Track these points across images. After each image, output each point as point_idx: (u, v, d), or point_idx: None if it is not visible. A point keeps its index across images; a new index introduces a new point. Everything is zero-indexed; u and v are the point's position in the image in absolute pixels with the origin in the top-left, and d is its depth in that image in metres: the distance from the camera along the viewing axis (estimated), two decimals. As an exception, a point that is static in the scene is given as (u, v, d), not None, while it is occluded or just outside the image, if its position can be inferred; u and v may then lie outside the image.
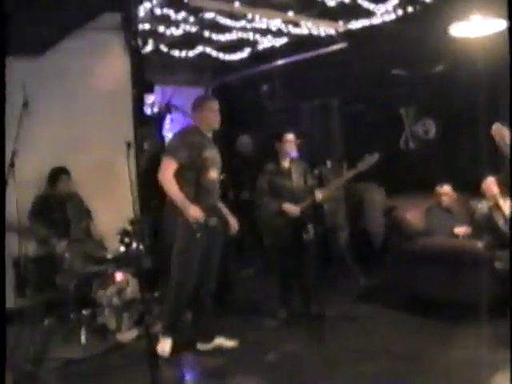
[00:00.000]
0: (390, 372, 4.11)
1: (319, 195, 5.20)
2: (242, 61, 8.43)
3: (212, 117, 4.69)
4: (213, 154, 4.65)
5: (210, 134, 4.76)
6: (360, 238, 6.86)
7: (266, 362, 4.46)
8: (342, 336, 4.86)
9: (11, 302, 5.40)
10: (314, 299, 5.21)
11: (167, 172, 4.44)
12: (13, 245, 5.14)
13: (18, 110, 4.66)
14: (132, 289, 5.22)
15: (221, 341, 4.75)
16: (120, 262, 5.28)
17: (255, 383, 4.13)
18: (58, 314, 5.19)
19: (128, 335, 5.03)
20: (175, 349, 4.57)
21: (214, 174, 4.63)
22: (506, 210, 5.13)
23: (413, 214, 5.53)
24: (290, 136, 5.36)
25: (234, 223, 4.83)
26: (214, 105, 4.74)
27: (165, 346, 4.54)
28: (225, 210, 4.84)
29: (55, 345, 4.90)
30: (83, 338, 4.95)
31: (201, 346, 4.74)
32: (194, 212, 4.36)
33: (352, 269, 6.47)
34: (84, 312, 5.07)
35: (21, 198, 4.60)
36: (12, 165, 4.44)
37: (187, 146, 4.49)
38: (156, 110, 7.91)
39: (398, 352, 4.45)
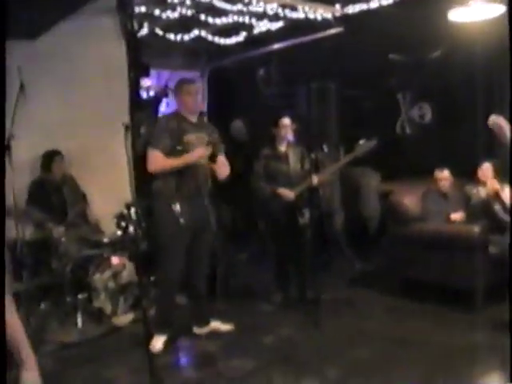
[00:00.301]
0: (384, 356, 4.14)
1: (315, 180, 5.18)
2: (237, 44, 8.38)
3: (191, 100, 4.54)
4: (196, 137, 4.47)
5: (194, 118, 4.60)
6: (355, 223, 6.88)
7: (262, 346, 4.48)
8: (337, 320, 4.89)
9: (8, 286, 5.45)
10: (309, 283, 5.23)
11: (155, 162, 4.35)
12: (9, 229, 5.17)
13: (13, 94, 4.64)
14: (128, 272, 5.22)
15: (216, 325, 4.76)
16: (116, 245, 5.27)
17: (251, 366, 4.11)
18: (54, 298, 5.20)
19: (124, 319, 5.05)
20: (169, 341, 4.56)
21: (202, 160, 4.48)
22: (505, 198, 5.14)
23: (409, 199, 5.53)
24: (286, 121, 5.33)
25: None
26: (193, 88, 4.59)
27: (157, 342, 4.44)
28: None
29: (51, 328, 4.90)
30: (79, 322, 4.97)
31: (197, 330, 4.76)
32: (198, 152, 4.34)
33: (347, 253, 6.50)
34: (80, 296, 5.09)
35: (17, 182, 4.58)
36: (8, 148, 4.43)
37: (168, 133, 4.38)
38: (152, 93, 7.88)
39: (392, 336, 4.48)
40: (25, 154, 5.29)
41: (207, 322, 4.76)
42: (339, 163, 5.49)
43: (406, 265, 5.41)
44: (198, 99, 4.65)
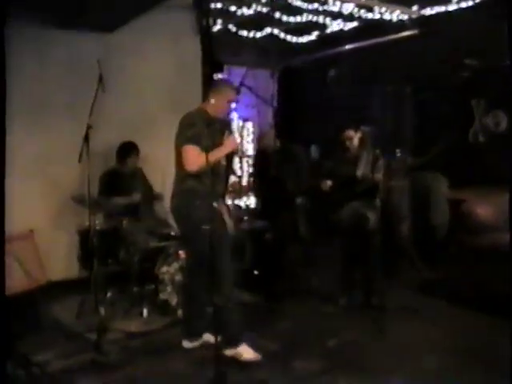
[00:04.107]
0: (448, 367, 4.05)
1: (378, 176, 5.18)
2: (310, 43, 8.35)
3: (228, 106, 4.46)
4: (226, 136, 4.35)
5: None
6: (424, 230, 6.74)
7: (325, 348, 4.45)
8: (402, 329, 4.80)
9: (77, 272, 5.61)
10: (376, 289, 5.16)
11: (197, 160, 4.06)
12: (81, 216, 5.30)
13: (91, 86, 4.74)
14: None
15: (208, 337, 4.42)
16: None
17: (314, 367, 4.10)
18: (121, 288, 5.32)
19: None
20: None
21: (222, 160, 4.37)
22: None
23: (481, 209, 5.39)
24: (350, 133, 5.35)
25: (230, 224, 4.55)
26: (234, 95, 4.47)
27: (248, 350, 4.21)
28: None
29: (117, 317, 5.01)
30: (145, 313, 5.06)
31: (186, 344, 4.48)
32: (233, 142, 4.31)
33: (414, 260, 6.38)
34: (146, 287, 5.17)
35: (92, 172, 4.68)
36: (86, 138, 4.54)
37: (205, 131, 4.15)
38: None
39: (457, 347, 4.39)
40: (100, 145, 5.41)
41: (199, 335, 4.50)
42: (408, 165, 5.37)
43: (475, 275, 5.26)
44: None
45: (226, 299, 4.16)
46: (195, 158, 4.08)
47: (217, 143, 4.21)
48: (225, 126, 4.49)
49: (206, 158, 3.94)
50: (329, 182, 5.35)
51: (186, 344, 4.47)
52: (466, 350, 4.32)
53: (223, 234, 4.25)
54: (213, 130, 4.22)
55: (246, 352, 4.19)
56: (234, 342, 4.21)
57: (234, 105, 4.58)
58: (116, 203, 5.24)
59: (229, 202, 4.53)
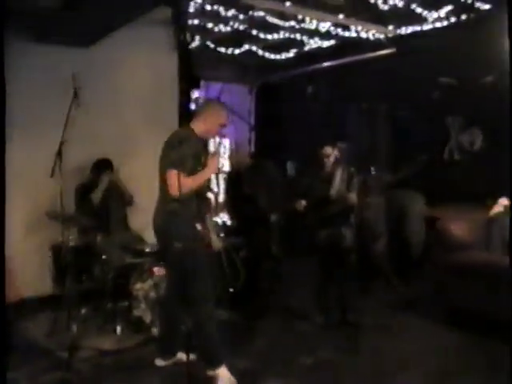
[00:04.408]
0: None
1: (353, 198, 5.14)
2: (287, 60, 8.40)
3: (216, 130, 4.32)
4: (204, 160, 4.19)
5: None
6: (399, 247, 6.76)
7: (300, 366, 4.42)
8: (377, 346, 4.78)
9: (49, 288, 5.52)
10: (351, 307, 5.15)
11: (183, 185, 3.89)
12: (54, 232, 5.23)
13: (66, 100, 4.69)
14: (169, 284, 5.21)
15: (182, 355, 4.33)
16: (158, 256, 5.28)
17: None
18: (95, 304, 5.25)
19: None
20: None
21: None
22: None
23: (457, 226, 5.42)
24: (328, 150, 5.34)
25: (216, 242, 4.57)
26: (226, 119, 4.34)
27: (226, 375, 4.07)
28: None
29: (90, 334, 4.92)
30: (118, 330, 4.98)
31: (158, 362, 4.41)
32: (215, 164, 4.17)
33: (389, 278, 6.39)
34: (120, 304, 5.10)
35: (65, 187, 4.63)
36: (59, 153, 4.49)
37: (192, 155, 4.04)
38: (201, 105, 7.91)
39: (432, 365, 4.39)
40: (73, 160, 5.36)
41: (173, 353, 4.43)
42: (381, 182, 5.38)
43: (450, 293, 5.27)
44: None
45: (208, 318, 4.09)
46: (178, 184, 3.89)
47: (202, 164, 4.10)
48: (204, 145, 4.41)
49: (190, 182, 3.92)
50: (303, 202, 5.33)
51: (159, 362, 4.40)
52: (441, 367, 4.32)
53: (208, 254, 4.22)
54: (198, 152, 4.11)
55: (223, 376, 4.06)
56: (213, 363, 4.10)
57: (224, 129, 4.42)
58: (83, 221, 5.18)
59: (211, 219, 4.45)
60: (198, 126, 4.20)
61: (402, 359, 4.53)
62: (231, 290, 5.61)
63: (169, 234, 4.09)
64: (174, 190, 3.93)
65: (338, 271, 5.22)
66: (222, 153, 8.72)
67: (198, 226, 4.10)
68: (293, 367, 4.40)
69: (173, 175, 3.92)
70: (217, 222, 6.98)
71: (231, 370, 4.09)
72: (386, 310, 5.66)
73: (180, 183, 3.87)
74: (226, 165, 8.73)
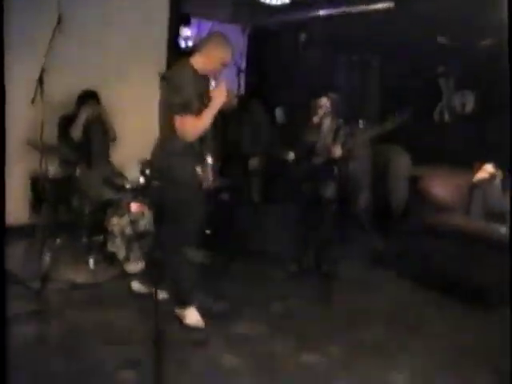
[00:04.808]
0: (386, 341, 4.11)
1: (338, 151, 5.07)
2: (283, 5, 8.21)
3: (217, 69, 3.98)
4: (207, 95, 3.96)
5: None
6: (381, 203, 6.76)
7: (269, 312, 4.47)
8: (349, 298, 4.84)
9: (25, 217, 5.49)
10: (327, 257, 5.18)
11: (194, 129, 3.82)
12: (34, 162, 5.15)
13: (50, 27, 4.54)
14: (146, 221, 5.21)
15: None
16: (137, 192, 5.24)
17: (254, 331, 4.13)
18: (70, 237, 5.22)
19: (135, 267, 5.04)
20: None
21: None
22: None
23: (438, 188, 5.42)
24: (324, 101, 5.24)
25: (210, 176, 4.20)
26: (229, 57, 4.02)
27: (193, 315, 4.13)
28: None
29: (63, 266, 4.91)
30: (91, 263, 4.97)
31: (135, 285, 4.60)
32: (221, 94, 3.88)
33: (368, 232, 6.42)
34: (95, 238, 5.10)
35: (47, 117, 4.53)
36: (41, 81, 4.37)
37: (196, 94, 3.85)
38: (191, 43, 7.76)
39: (399, 322, 4.45)
40: (57, 90, 5.23)
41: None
42: (365, 135, 5.30)
43: (424, 253, 5.31)
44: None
45: (183, 258, 4.08)
46: (191, 129, 3.79)
47: (206, 101, 3.88)
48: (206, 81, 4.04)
49: (200, 123, 3.79)
50: (292, 154, 5.25)
51: (136, 286, 4.53)
52: (407, 327, 4.37)
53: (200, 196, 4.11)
54: (201, 90, 3.89)
55: (191, 316, 4.11)
56: (183, 303, 4.14)
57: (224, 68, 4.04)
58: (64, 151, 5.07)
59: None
60: (198, 62, 3.94)
61: (368, 311, 4.61)
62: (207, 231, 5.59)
63: (167, 174, 3.95)
64: (188, 137, 3.82)
65: (316, 221, 5.22)
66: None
67: (198, 168, 3.96)
68: (262, 312, 4.44)
69: (183, 120, 3.77)
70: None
71: (201, 312, 4.14)
72: (361, 263, 5.71)
73: (193, 128, 3.79)
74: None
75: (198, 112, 3.81)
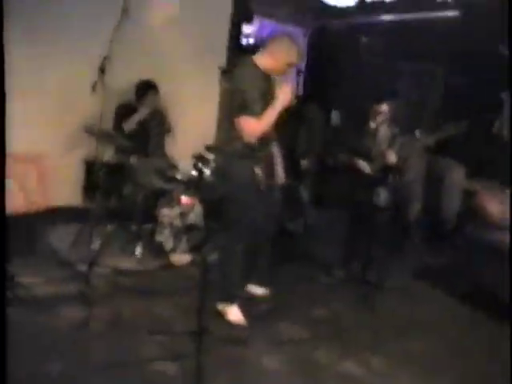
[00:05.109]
0: (429, 354, 4.03)
1: (392, 157, 5.00)
2: (347, 8, 8.15)
3: (283, 70, 3.95)
4: (273, 96, 3.89)
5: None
6: (432, 215, 6.63)
7: (313, 317, 4.42)
8: (393, 308, 4.75)
9: (78, 200, 5.60)
10: (375, 266, 5.11)
11: (256, 130, 3.81)
12: (90, 147, 5.24)
13: (115, 15, 4.59)
14: (195, 215, 5.23)
15: (252, 288, 4.52)
16: (189, 185, 5.27)
17: (298, 334, 4.09)
18: (120, 224, 5.29)
19: (182, 258, 5.08)
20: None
21: None
22: None
23: (494, 205, 5.29)
24: (384, 107, 5.16)
25: (281, 174, 4.26)
26: (296, 59, 3.97)
27: (235, 312, 4.13)
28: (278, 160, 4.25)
29: (110, 252, 4.97)
30: (138, 252, 5.02)
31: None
32: (286, 93, 3.82)
33: (418, 244, 6.29)
34: (144, 227, 5.15)
35: (106, 105, 4.59)
36: (102, 70, 4.42)
37: (261, 94, 3.80)
38: (252, 41, 7.76)
39: (442, 336, 4.35)
40: (118, 78, 5.29)
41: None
42: (421, 143, 5.20)
43: (475, 270, 5.17)
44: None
45: (231, 255, 4.10)
46: (253, 129, 3.78)
47: (269, 100, 3.83)
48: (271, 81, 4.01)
49: (263, 123, 3.78)
50: (364, 164, 5.17)
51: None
52: (450, 339, 4.30)
53: (271, 189, 4.11)
54: (264, 87, 3.85)
55: (233, 313, 4.12)
56: (227, 299, 4.15)
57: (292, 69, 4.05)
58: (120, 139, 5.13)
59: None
60: (263, 61, 3.91)
61: (412, 323, 4.52)
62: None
63: (226, 173, 4.02)
64: (250, 137, 3.82)
65: (366, 229, 5.15)
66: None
67: (257, 170, 3.91)
68: (306, 316, 4.39)
69: (246, 121, 3.78)
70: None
71: (244, 310, 4.15)
72: (408, 275, 5.59)
73: (254, 129, 3.78)
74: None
75: (261, 112, 3.78)
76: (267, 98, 3.84)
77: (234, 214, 4.02)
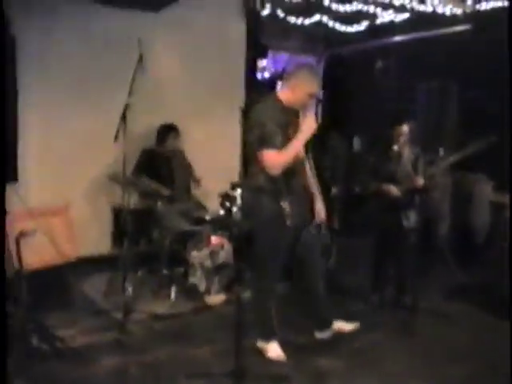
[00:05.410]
0: (473, 377, 3.92)
1: (420, 181, 4.95)
2: (358, 33, 8.19)
3: (306, 100, 3.94)
4: (295, 128, 3.92)
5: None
6: (462, 232, 6.54)
7: (350, 346, 4.33)
8: (430, 332, 4.65)
9: (107, 248, 5.64)
10: (408, 288, 5.04)
11: (277, 163, 3.77)
12: (115, 195, 5.29)
13: (132, 64, 4.66)
14: (225, 253, 5.22)
15: (340, 325, 4.39)
16: (217, 224, 5.27)
17: (337, 365, 4.02)
18: (151, 269, 5.32)
19: (217, 299, 5.06)
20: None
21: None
22: None
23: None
24: (405, 128, 5.12)
25: (320, 210, 4.17)
26: (316, 88, 3.99)
27: (271, 349, 4.07)
28: (317, 193, 4.21)
29: (144, 298, 5.01)
30: (173, 295, 5.03)
31: (319, 334, 4.35)
32: (310, 125, 3.83)
33: (450, 262, 6.20)
34: (176, 269, 5.16)
35: (128, 152, 4.64)
36: (124, 118, 4.48)
37: (280, 128, 3.80)
38: (267, 75, 7.83)
39: (484, 357, 4.23)
40: (138, 124, 5.37)
41: (329, 324, 4.34)
42: (447, 162, 5.14)
43: (505, 285, 5.05)
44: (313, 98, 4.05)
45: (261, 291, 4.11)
46: (274, 162, 3.77)
47: (291, 133, 3.84)
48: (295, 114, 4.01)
49: (284, 157, 3.76)
50: (394, 188, 5.14)
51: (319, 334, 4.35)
52: (492, 361, 4.14)
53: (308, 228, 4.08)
54: (286, 120, 3.86)
55: (272, 350, 4.07)
56: (266, 336, 4.11)
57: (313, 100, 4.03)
58: (146, 184, 5.16)
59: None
60: (285, 94, 3.95)
61: (451, 349, 4.39)
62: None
63: (253, 210, 4.00)
64: (272, 169, 3.80)
65: (397, 252, 5.10)
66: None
67: (284, 204, 3.84)
68: (344, 346, 4.31)
69: (267, 155, 3.77)
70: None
71: (282, 345, 4.09)
72: (443, 296, 5.50)
73: (276, 161, 3.77)
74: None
75: (282, 145, 3.78)
76: (288, 131, 3.85)
77: (259, 251, 4.00)
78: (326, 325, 4.32)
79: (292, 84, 3.94)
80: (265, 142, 3.77)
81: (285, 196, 3.86)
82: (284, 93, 3.97)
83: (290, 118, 3.91)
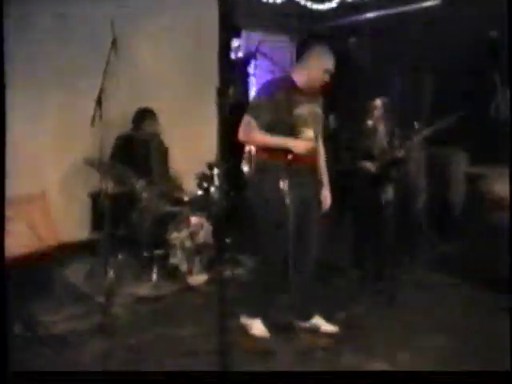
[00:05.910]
0: (452, 347, 3.97)
1: (395, 153, 5.03)
2: (329, 11, 8.18)
3: (322, 77, 3.89)
4: (309, 112, 3.91)
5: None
6: (439, 204, 6.63)
7: (334, 321, 4.33)
8: (412, 303, 4.75)
9: (86, 234, 5.62)
10: (387, 262, 5.11)
11: (248, 133, 3.83)
12: (93, 179, 5.26)
13: (106, 48, 4.63)
14: (205, 233, 5.24)
15: (319, 322, 4.23)
16: (196, 205, 5.29)
17: (321, 341, 4.06)
18: (132, 251, 5.30)
19: (198, 279, 5.10)
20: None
21: (308, 134, 3.92)
22: None
23: (500, 186, 5.27)
24: (378, 102, 5.17)
25: (326, 197, 4.20)
26: (331, 63, 3.93)
27: (255, 326, 4.10)
28: (325, 179, 4.21)
29: (126, 281, 5.01)
30: (154, 277, 5.04)
31: (297, 323, 4.27)
32: (302, 145, 3.80)
33: (427, 234, 6.29)
34: (157, 252, 5.16)
35: (105, 136, 4.62)
36: (99, 102, 4.45)
37: (273, 105, 3.78)
38: (241, 55, 7.79)
39: (465, 327, 4.30)
40: (113, 109, 5.33)
41: (309, 317, 4.23)
42: (421, 135, 5.20)
43: (487, 255, 5.14)
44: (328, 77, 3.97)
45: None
46: (245, 133, 3.82)
47: (282, 127, 3.81)
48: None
49: (258, 137, 3.80)
50: (370, 164, 5.18)
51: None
52: (472, 330, 4.22)
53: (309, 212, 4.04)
54: (283, 111, 3.79)
55: (256, 327, 4.10)
56: (247, 313, 4.15)
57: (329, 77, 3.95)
58: (122, 171, 5.15)
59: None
60: (300, 74, 3.91)
61: (432, 316, 4.50)
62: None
63: (254, 189, 4.04)
64: (240, 135, 3.84)
65: (376, 226, 5.16)
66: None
67: (283, 185, 3.79)
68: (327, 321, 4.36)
69: (245, 119, 3.83)
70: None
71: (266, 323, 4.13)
72: (422, 267, 5.59)
73: (249, 130, 3.79)
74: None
75: (268, 129, 3.80)
76: (281, 122, 3.82)
77: (259, 227, 4.03)
78: (307, 316, 4.22)
79: (305, 62, 3.92)
80: (250, 109, 3.83)
81: (285, 176, 3.79)
82: (298, 73, 3.94)
83: (297, 97, 3.86)
